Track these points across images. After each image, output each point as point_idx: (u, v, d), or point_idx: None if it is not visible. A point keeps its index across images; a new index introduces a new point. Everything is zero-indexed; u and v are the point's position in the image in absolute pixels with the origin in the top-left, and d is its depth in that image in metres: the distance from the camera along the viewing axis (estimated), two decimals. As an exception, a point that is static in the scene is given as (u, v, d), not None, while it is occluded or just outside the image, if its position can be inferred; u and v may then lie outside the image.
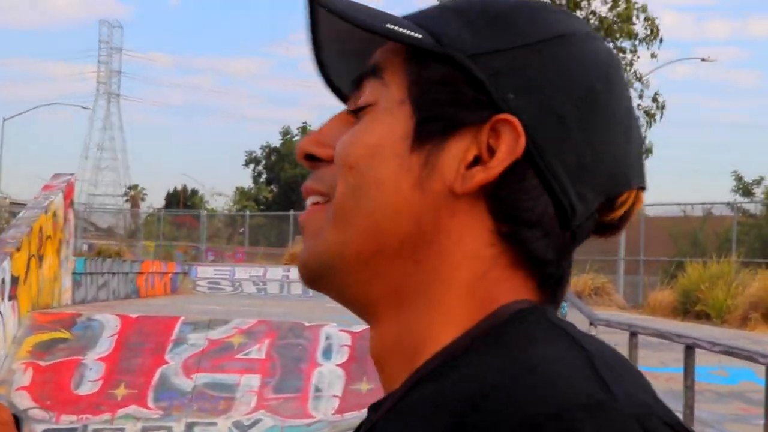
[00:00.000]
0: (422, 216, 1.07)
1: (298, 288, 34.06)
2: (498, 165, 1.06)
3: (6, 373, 13.88)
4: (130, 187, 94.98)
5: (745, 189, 43.50)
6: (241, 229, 55.85)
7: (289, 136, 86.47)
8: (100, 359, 14.36)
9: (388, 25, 1.06)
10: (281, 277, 35.34)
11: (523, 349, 0.99)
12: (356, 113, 1.11)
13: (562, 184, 1.09)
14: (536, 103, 1.08)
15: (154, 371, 14.28)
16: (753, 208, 39.52)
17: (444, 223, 1.08)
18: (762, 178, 44.15)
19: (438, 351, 1.07)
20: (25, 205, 21.17)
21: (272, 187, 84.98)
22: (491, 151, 1.07)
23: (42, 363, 14.39)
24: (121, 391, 13.79)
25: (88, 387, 13.81)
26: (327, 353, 14.88)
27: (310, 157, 1.13)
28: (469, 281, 1.09)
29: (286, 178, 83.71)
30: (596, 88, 1.12)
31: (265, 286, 34.52)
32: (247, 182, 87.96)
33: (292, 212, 55.31)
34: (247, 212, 63.09)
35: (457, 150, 1.07)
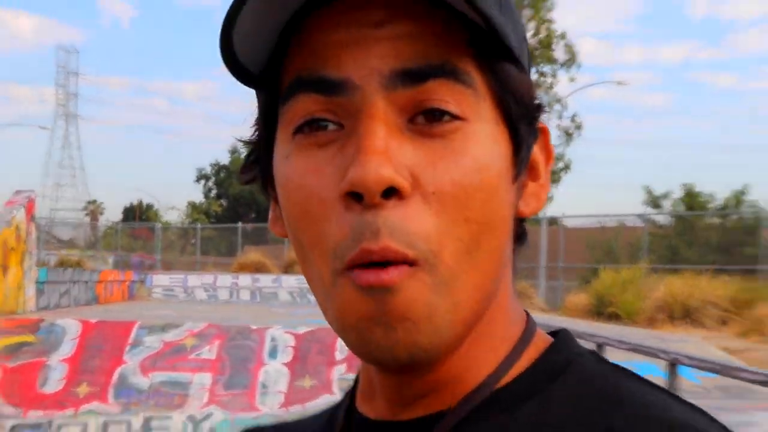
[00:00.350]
0: (509, 248, 0.98)
1: (246, 294, 33.89)
2: (547, 180, 1.02)
3: (-22, 373, 14.68)
4: (89, 202, 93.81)
5: (654, 202, 43.69)
6: (193, 240, 55.66)
7: (236, 154, 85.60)
8: (63, 360, 14.41)
9: (494, 19, 0.85)
10: (230, 284, 34.94)
11: (624, 391, 0.92)
12: (429, 124, 0.88)
13: None
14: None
15: (114, 371, 14.24)
16: (662, 219, 39.86)
17: (511, 246, 0.99)
18: (670, 192, 44.27)
19: (488, 379, 0.97)
20: (-10, 218, 21.61)
21: (221, 201, 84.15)
22: (531, 165, 1.00)
23: (9, 364, 14.77)
24: (83, 389, 13.99)
25: (52, 386, 13.78)
26: (273, 353, 14.96)
27: (389, 191, 0.85)
28: (511, 294, 1.03)
29: (234, 193, 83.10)
30: None
31: (215, 293, 34.00)
32: (199, 197, 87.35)
33: (240, 224, 55.99)
34: (199, 225, 62.76)
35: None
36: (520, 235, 1.04)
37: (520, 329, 1.03)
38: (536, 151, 1.01)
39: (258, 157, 1.02)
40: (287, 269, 39.26)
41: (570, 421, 0.91)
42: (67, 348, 15.03)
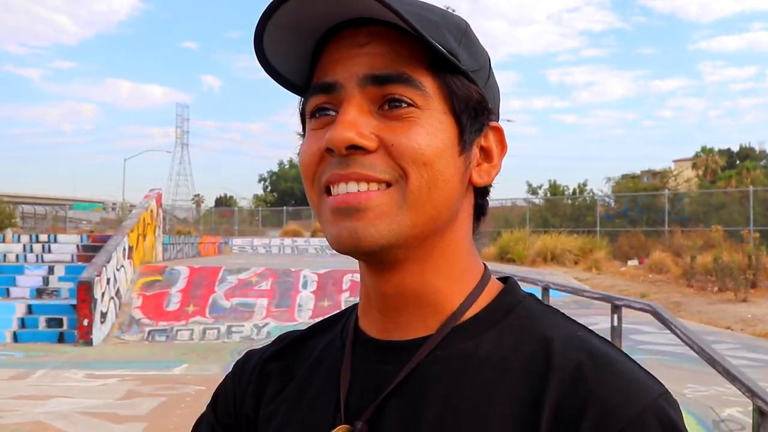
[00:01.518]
0: (458, 201, 0.89)
1: (288, 249, 34.18)
2: (499, 164, 0.94)
3: (128, 299, 14.48)
4: (195, 196, 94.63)
5: (533, 190, 44.14)
6: (257, 218, 55.92)
7: (282, 165, 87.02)
8: (179, 291, 14.73)
9: (436, 44, 0.82)
10: (279, 243, 34.75)
11: (558, 326, 0.88)
12: (390, 109, 0.84)
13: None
14: (494, 103, 0.95)
15: (209, 297, 14.53)
16: (537, 201, 40.16)
17: (462, 204, 0.91)
18: (541, 185, 45.26)
19: (457, 310, 0.90)
20: (135, 206, 21.63)
21: (274, 193, 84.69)
22: (486, 151, 0.93)
23: (147, 293, 14.71)
24: (191, 308, 14.03)
25: (172, 306, 14.22)
26: (304, 285, 15.15)
27: (352, 147, 0.83)
28: (469, 243, 0.95)
29: (281, 188, 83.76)
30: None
31: (270, 249, 33.97)
32: (260, 191, 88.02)
33: (284, 208, 56.00)
34: (260, 208, 62.90)
35: (475, 152, 0.90)
36: (479, 215, 0.98)
37: (480, 272, 0.95)
38: (492, 142, 0.94)
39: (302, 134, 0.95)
40: (313, 234, 39.49)
41: (519, 343, 0.87)
42: (181, 283, 15.19)
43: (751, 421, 4.82)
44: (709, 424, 6.71)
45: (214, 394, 1.16)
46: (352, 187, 0.84)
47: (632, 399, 0.78)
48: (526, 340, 0.87)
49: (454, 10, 0.98)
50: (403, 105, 0.84)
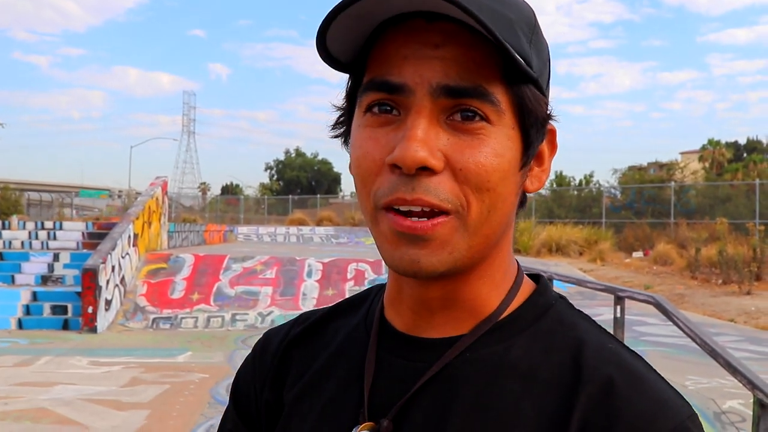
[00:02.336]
0: (513, 213, 0.88)
1: (293, 238, 34.08)
2: (549, 167, 0.92)
3: (132, 287, 14.45)
4: (201, 183, 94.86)
5: None
6: (262, 206, 55.96)
7: (288, 154, 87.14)
8: (184, 279, 14.70)
9: (517, 56, 0.78)
10: (284, 232, 34.46)
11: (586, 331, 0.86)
12: (461, 121, 0.79)
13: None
14: (548, 102, 0.88)
15: (213, 285, 14.52)
16: (543, 192, 40.22)
17: (514, 211, 0.89)
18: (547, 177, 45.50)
19: (493, 313, 0.89)
20: (140, 193, 21.66)
21: (279, 182, 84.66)
22: (538, 154, 0.89)
23: (152, 281, 14.65)
24: (195, 296, 13.99)
25: (177, 294, 14.17)
26: (309, 274, 15.14)
27: (422, 168, 0.78)
28: (510, 246, 0.93)
29: (287, 177, 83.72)
30: None
31: (275, 237, 33.79)
32: (266, 179, 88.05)
33: (290, 196, 56.01)
34: (266, 197, 62.70)
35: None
36: (522, 202, 0.93)
37: (514, 274, 0.93)
38: (544, 145, 0.90)
39: (342, 121, 0.92)
40: (318, 223, 39.56)
41: (550, 351, 0.85)
42: (186, 271, 15.20)
43: (751, 413, 4.81)
44: (710, 416, 6.71)
45: (234, 382, 1.14)
46: (415, 208, 0.80)
47: (660, 420, 0.77)
48: (557, 348, 0.85)
49: None
50: (476, 119, 0.80)
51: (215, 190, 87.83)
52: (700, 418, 0.83)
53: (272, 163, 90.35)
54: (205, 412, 7.34)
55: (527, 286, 0.94)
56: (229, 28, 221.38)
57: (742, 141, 69.74)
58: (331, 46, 0.83)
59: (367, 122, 0.84)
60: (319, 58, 0.85)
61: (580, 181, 43.64)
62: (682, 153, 68.63)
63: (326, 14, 0.79)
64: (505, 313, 0.89)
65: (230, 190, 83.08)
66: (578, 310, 0.92)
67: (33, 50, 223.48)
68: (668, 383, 0.82)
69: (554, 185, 43.28)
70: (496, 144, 0.80)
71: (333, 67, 0.87)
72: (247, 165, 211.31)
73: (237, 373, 1.13)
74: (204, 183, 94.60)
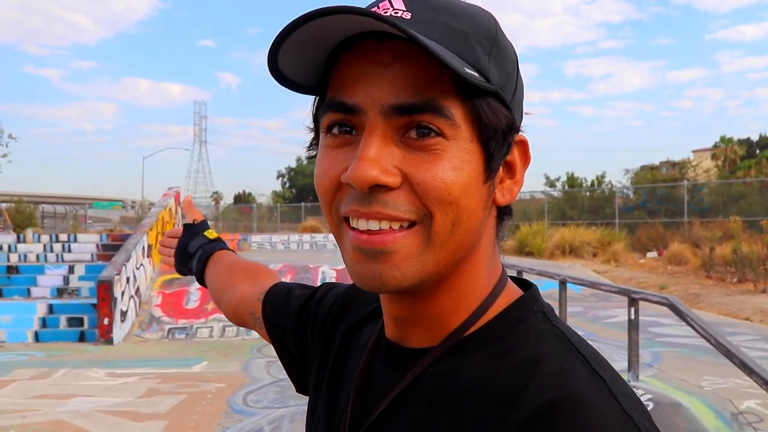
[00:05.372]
0: (482, 228, 0.86)
1: (306, 246, 34.08)
2: (521, 179, 0.90)
3: (147, 297, 14.48)
4: (214, 192, 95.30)
5: (550, 182, 44.37)
6: (275, 214, 55.93)
7: (300, 161, 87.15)
8: (198, 289, 14.48)
9: (467, 69, 0.77)
10: (297, 240, 34.40)
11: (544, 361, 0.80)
12: (417, 138, 0.78)
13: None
14: (519, 112, 0.89)
15: None
16: (555, 193, 40.12)
17: (486, 225, 0.88)
18: (559, 177, 45.31)
19: (458, 328, 0.88)
20: (154, 204, 21.71)
21: (292, 189, 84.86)
22: (509, 166, 0.89)
23: (167, 291, 14.73)
24: (210, 306, 13.79)
25: (192, 304, 14.19)
26: (323, 281, 15.50)
27: (375, 186, 0.78)
28: (488, 258, 0.91)
29: (299, 184, 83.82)
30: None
31: (288, 245, 33.83)
32: (278, 187, 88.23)
33: (303, 204, 55.67)
34: (279, 204, 62.96)
35: (499, 171, 0.87)
36: (504, 215, 0.93)
37: (488, 289, 0.91)
38: (516, 156, 0.89)
39: (315, 143, 0.93)
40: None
41: (501, 370, 0.82)
42: (200, 281, 15.05)
43: (768, 413, 4.79)
44: (727, 417, 6.68)
45: (321, 289, 1.28)
46: (374, 225, 0.81)
47: None
48: (509, 368, 0.82)
49: None
50: (431, 134, 0.80)
51: (228, 199, 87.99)
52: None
53: (284, 171, 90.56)
54: (222, 422, 7.36)
55: (505, 299, 0.91)
56: (238, 37, 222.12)
57: (755, 137, 69.33)
58: (287, 71, 0.84)
59: (327, 143, 0.85)
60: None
61: (592, 182, 43.47)
62: (694, 151, 68.38)
63: (271, 42, 0.80)
64: (473, 328, 0.88)
65: (243, 199, 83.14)
66: (553, 325, 0.88)
67: (44, 64, 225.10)
68: (625, 412, 0.75)
69: (566, 186, 43.15)
70: (453, 158, 0.80)
71: (296, 91, 0.88)
72: (259, 173, 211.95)
73: (324, 289, 1.28)
74: (216, 192, 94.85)
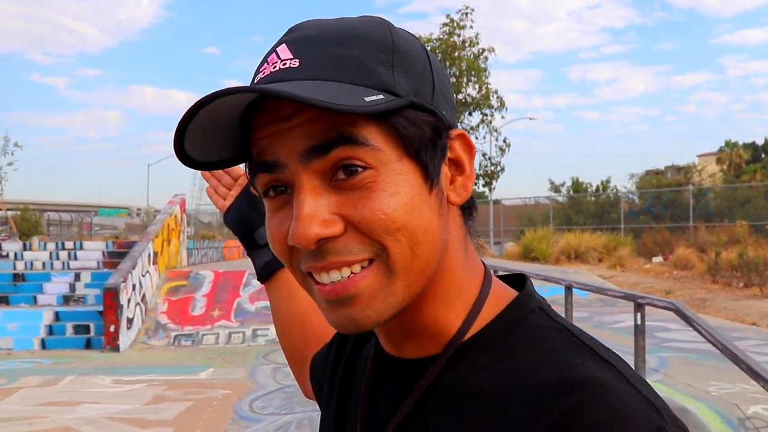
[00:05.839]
0: (444, 234, 0.83)
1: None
2: (472, 171, 0.88)
3: (153, 304, 14.48)
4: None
5: (555, 188, 44.37)
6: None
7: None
8: (204, 295, 14.76)
9: (366, 99, 0.75)
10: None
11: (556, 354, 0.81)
12: (344, 178, 0.78)
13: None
14: (448, 105, 0.86)
15: (234, 301, 14.57)
16: (560, 198, 40.19)
17: (449, 229, 0.85)
18: (564, 183, 45.35)
19: (456, 335, 0.87)
20: (159, 211, 21.73)
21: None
22: (455, 162, 0.87)
23: (173, 298, 14.78)
24: (216, 312, 14.06)
25: (198, 311, 14.24)
26: None
27: (320, 240, 0.77)
28: (462, 259, 0.89)
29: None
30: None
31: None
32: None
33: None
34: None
35: (445, 172, 0.84)
36: (469, 212, 0.91)
37: (474, 291, 0.89)
38: (459, 151, 0.87)
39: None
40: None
41: (513, 373, 0.81)
42: (206, 288, 15.21)
43: (775, 418, 4.79)
44: (734, 422, 6.67)
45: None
46: (335, 275, 0.80)
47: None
48: (522, 368, 0.82)
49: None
50: (359, 170, 0.78)
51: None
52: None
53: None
54: (228, 428, 7.37)
55: (500, 298, 0.90)
56: (242, 45, 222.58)
57: (760, 141, 69.34)
58: (202, 155, 0.84)
59: (269, 206, 0.85)
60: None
61: (597, 187, 43.48)
62: (699, 156, 68.38)
63: (174, 135, 0.79)
64: (471, 332, 0.87)
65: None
66: (554, 321, 0.88)
67: (50, 72, 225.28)
68: (642, 395, 0.76)
69: (571, 192, 43.17)
70: (386, 185, 0.78)
71: (221, 168, 0.88)
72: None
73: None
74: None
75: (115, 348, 12.53)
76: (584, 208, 37.34)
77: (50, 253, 17.21)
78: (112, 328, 12.61)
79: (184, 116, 0.77)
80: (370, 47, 0.81)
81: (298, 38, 0.82)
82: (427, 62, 0.86)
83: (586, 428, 0.72)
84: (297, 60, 0.80)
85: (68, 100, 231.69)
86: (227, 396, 8.79)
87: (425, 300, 0.86)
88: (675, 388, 7.96)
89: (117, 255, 16.72)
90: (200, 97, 0.75)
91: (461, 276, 0.89)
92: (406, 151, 0.80)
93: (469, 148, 0.88)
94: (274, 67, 0.81)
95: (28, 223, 33.00)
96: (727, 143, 58.64)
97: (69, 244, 17.94)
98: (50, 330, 13.10)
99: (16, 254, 17.09)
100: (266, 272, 1.47)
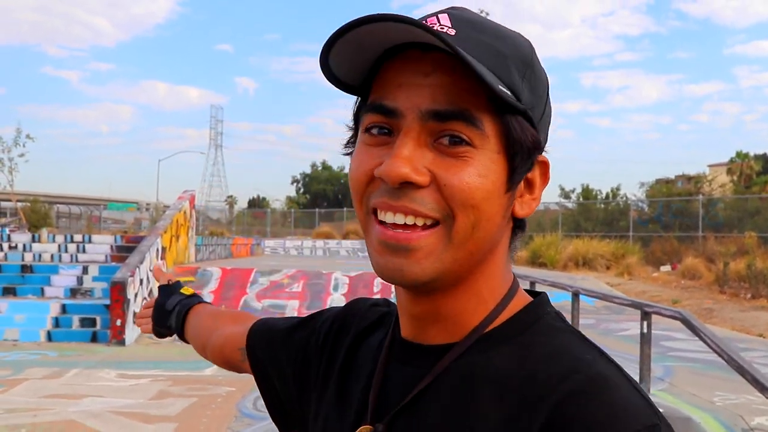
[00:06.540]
0: (499, 233, 0.91)
1: (320, 251, 34.23)
2: (539, 196, 0.95)
3: (160, 300, 14.78)
4: (228, 197, 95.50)
5: (565, 194, 44.35)
6: (289, 219, 56.16)
7: (315, 167, 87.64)
8: (211, 292, 14.83)
9: (500, 87, 0.82)
10: (311, 245, 34.84)
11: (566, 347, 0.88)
12: (448, 145, 0.84)
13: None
14: (545, 133, 0.95)
15: (240, 298, 14.68)
16: (570, 204, 40.08)
17: (503, 233, 0.93)
18: (574, 189, 45.22)
19: (479, 325, 0.93)
20: (168, 206, 21.88)
21: (306, 195, 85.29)
22: (529, 182, 0.94)
23: (179, 294, 15.16)
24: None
25: None
26: (336, 287, 15.19)
27: (406, 183, 0.84)
28: (504, 265, 0.96)
29: (314, 190, 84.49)
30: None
31: (302, 251, 34.18)
32: (292, 192, 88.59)
33: (317, 210, 56.18)
34: (293, 210, 63.19)
35: (520, 185, 0.92)
36: (520, 226, 0.98)
37: (503, 292, 0.96)
38: (537, 175, 0.95)
39: (353, 140, 0.97)
40: (345, 236, 39.65)
41: (524, 362, 0.87)
42: (213, 284, 15.27)
43: (779, 430, 4.77)
44: (738, 433, 6.65)
45: (317, 313, 1.27)
46: (400, 218, 0.86)
47: (617, 426, 0.76)
48: (531, 359, 0.88)
49: (488, 14, 0.96)
50: (462, 143, 0.85)
51: (242, 204, 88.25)
52: None
53: (299, 177, 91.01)
54: (231, 426, 7.38)
55: (520, 302, 0.97)
56: (256, 43, 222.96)
57: (772, 153, 68.94)
58: (337, 70, 0.90)
59: (365, 140, 0.90)
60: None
61: (607, 195, 43.37)
62: (710, 165, 68.10)
63: (326, 40, 0.84)
64: (492, 326, 0.93)
65: (257, 204, 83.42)
66: (566, 324, 0.94)
67: (63, 65, 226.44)
68: (641, 392, 0.83)
69: (581, 198, 43.08)
70: (479, 165, 0.85)
71: (342, 90, 0.94)
72: (274, 178, 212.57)
73: (327, 314, 1.24)
74: (231, 196, 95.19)
75: (121, 342, 12.56)
76: (593, 215, 37.26)
77: (59, 246, 17.28)
78: (118, 322, 12.64)
79: (346, 25, 0.82)
80: (515, 53, 0.89)
81: (461, 16, 0.89)
82: (547, 90, 0.95)
83: (590, 415, 0.77)
84: (454, 30, 0.87)
85: (80, 94, 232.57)
86: (231, 393, 8.80)
87: (464, 290, 0.93)
88: (680, 397, 7.94)
89: (125, 249, 16.77)
90: (369, 14, 0.82)
91: (499, 278, 0.96)
92: (505, 149, 0.87)
93: (545, 177, 0.96)
94: (432, 26, 0.84)
95: (37, 215, 33.08)
96: (738, 154, 58.40)
97: (78, 237, 18.01)
98: (56, 322, 13.14)
99: (24, 246, 17.16)
100: (181, 323, 1.70)
